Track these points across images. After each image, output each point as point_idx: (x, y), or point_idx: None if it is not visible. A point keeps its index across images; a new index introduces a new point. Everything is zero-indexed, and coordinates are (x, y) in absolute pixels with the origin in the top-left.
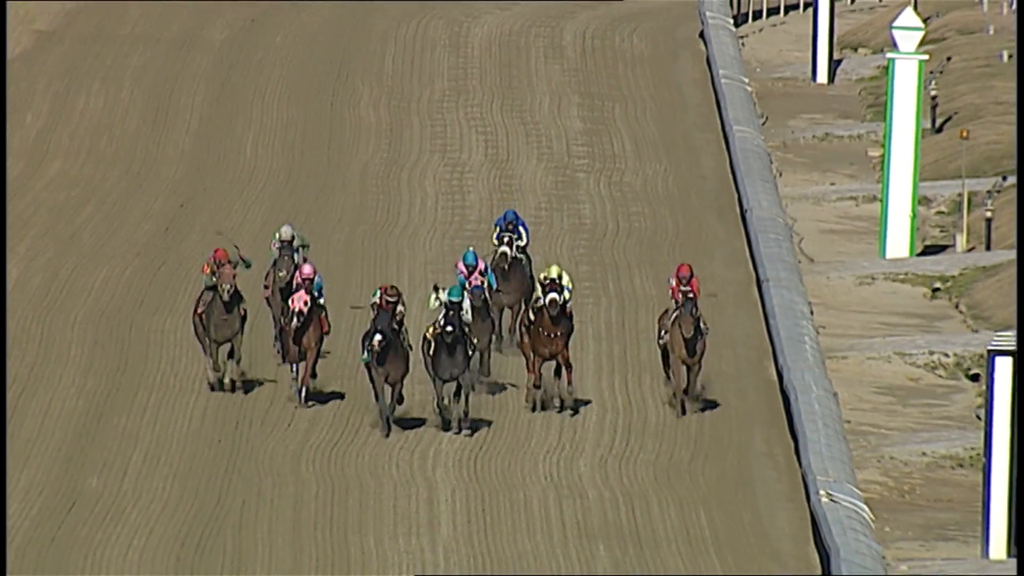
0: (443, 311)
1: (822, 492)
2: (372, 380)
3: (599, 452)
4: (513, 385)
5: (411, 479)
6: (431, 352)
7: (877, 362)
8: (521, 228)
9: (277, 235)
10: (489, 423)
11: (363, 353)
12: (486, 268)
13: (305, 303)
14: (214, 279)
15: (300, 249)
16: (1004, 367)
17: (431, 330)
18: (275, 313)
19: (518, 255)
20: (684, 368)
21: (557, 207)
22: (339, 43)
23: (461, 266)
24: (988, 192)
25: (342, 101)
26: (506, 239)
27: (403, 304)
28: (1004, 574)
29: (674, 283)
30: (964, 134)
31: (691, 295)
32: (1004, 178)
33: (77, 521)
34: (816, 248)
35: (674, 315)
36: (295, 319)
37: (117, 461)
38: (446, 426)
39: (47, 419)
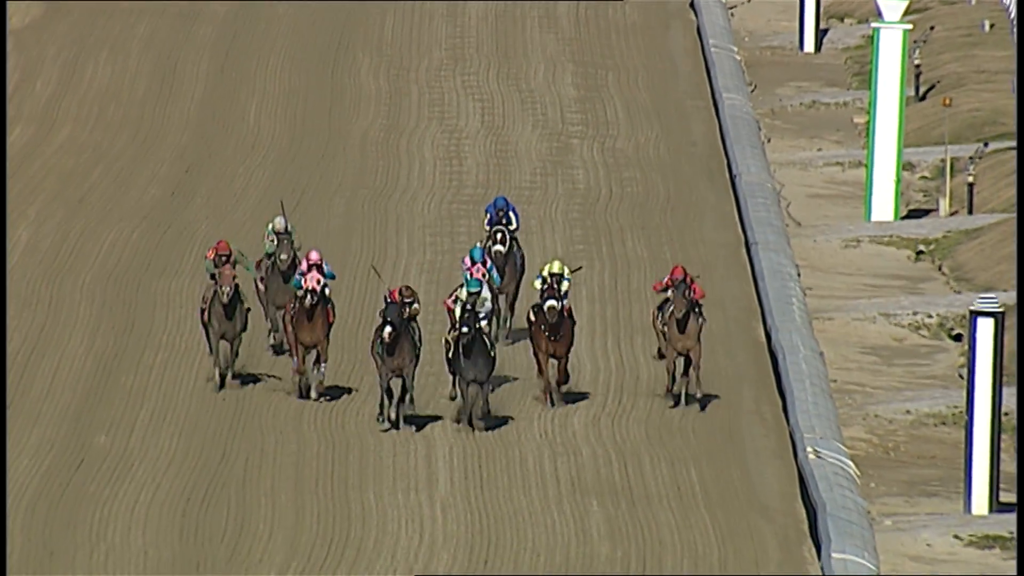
0: (460, 311)
1: (809, 449)
2: (379, 374)
3: (592, 410)
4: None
5: (409, 437)
6: (451, 355)
7: (862, 323)
8: (512, 214)
9: (270, 226)
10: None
11: (373, 346)
12: (491, 266)
13: (318, 281)
14: (216, 269)
15: (298, 244)
16: (986, 328)
17: (451, 333)
18: (268, 305)
19: (511, 244)
20: (681, 358)
21: (552, 172)
22: (340, 13)
23: (467, 260)
24: (970, 158)
25: (343, 70)
26: (499, 236)
27: (418, 303)
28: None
29: (666, 281)
30: (947, 102)
31: (684, 281)
32: (986, 144)
33: (86, 477)
34: (803, 212)
35: (670, 308)
36: (309, 296)
37: (124, 419)
38: (468, 422)
39: (56, 378)
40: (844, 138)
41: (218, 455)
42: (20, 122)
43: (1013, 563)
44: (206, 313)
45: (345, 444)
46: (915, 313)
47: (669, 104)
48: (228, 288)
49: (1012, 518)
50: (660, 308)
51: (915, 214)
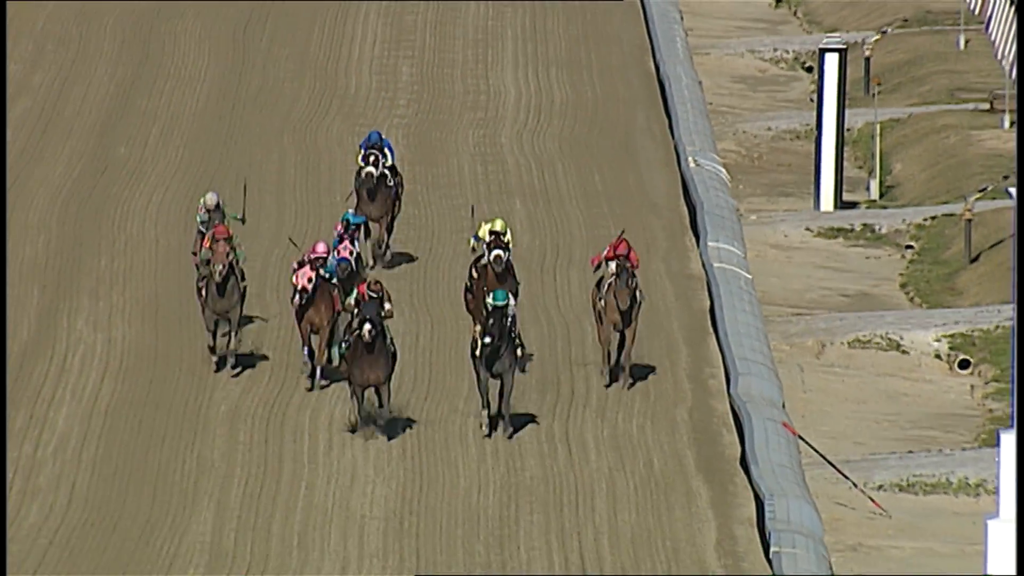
0: (485, 317)
1: (690, 158)
2: (350, 381)
3: (516, 127)
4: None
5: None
6: (476, 352)
7: (733, 57)
8: (387, 149)
9: (202, 201)
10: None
11: (341, 346)
12: (356, 247)
13: (309, 279)
14: (211, 254)
15: (229, 219)
16: (832, 61)
17: (477, 329)
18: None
19: (384, 171)
20: (617, 335)
21: None
22: None
23: (339, 227)
24: None
25: None
26: (372, 158)
27: (390, 302)
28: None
29: (606, 252)
30: None
31: (627, 265)
32: None
33: (109, 181)
34: None
35: (608, 283)
36: (298, 296)
37: (140, 134)
38: (491, 428)
39: (85, 101)
40: None
41: (216, 160)
42: None
43: (854, 250)
44: (203, 291)
45: (317, 161)
46: (775, 50)
47: None
48: (221, 267)
49: (853, 213)
50: (598, 285)
51: None
